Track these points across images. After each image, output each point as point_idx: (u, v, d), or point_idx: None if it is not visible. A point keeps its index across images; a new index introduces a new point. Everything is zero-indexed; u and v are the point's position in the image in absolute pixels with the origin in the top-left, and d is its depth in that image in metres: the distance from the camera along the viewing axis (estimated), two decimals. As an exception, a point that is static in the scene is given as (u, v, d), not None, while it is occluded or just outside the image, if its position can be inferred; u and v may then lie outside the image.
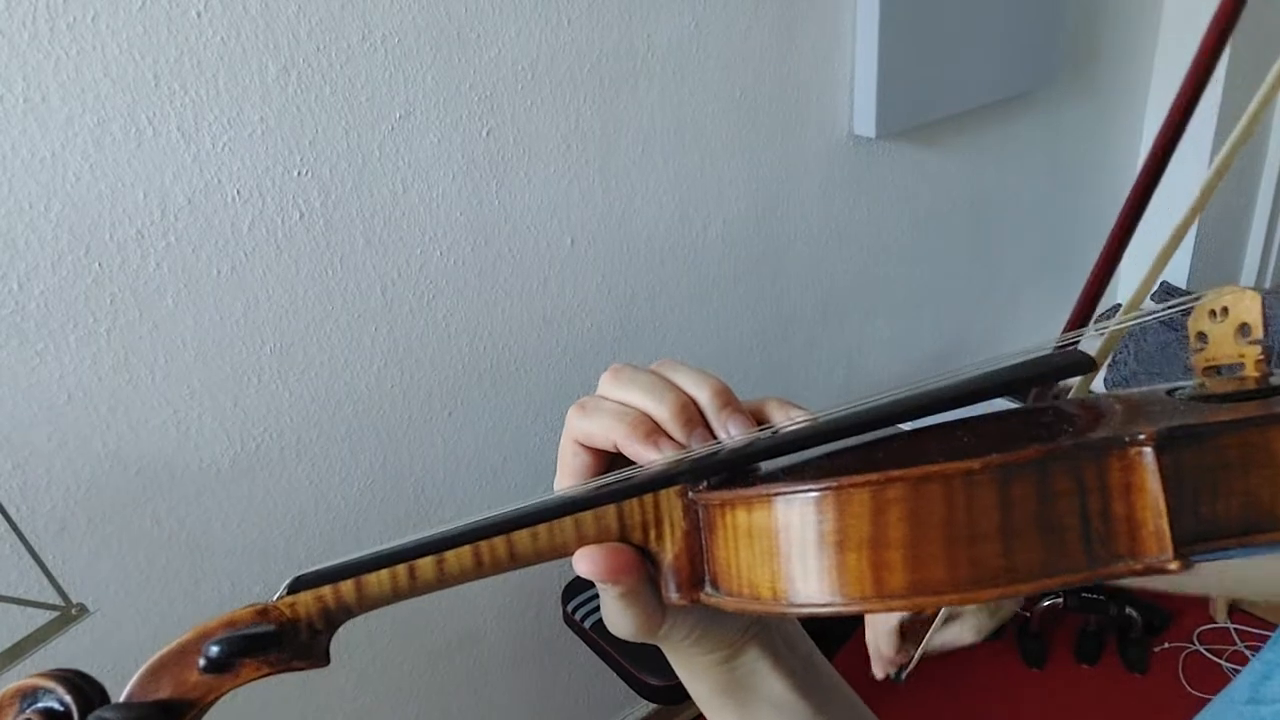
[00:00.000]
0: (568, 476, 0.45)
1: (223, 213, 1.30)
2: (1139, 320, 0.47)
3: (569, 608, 1.79)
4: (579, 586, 1.81)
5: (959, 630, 0.87)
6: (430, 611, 1.74)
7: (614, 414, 0.42)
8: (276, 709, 1.61)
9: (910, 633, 0.83)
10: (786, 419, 0.42)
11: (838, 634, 2.07)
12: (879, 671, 0.85)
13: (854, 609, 0.35)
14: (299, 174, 1.34)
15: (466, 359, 1.60)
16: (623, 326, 1.76)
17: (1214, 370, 0.45)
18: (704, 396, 0.42)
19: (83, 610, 0.93)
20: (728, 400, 0.43)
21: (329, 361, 1.46)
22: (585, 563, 0.40)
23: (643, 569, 0.40)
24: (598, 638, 1.74)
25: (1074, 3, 2.16)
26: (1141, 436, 0.33)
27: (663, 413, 0.42)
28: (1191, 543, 0.33)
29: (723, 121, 1.74)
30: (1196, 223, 2.47)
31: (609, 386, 0.44)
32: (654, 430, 0.41)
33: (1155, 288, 2.67)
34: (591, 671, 1.92)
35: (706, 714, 0.51)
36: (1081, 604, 2.29)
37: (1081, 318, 0.51)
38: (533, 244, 1.59)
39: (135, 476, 1.35)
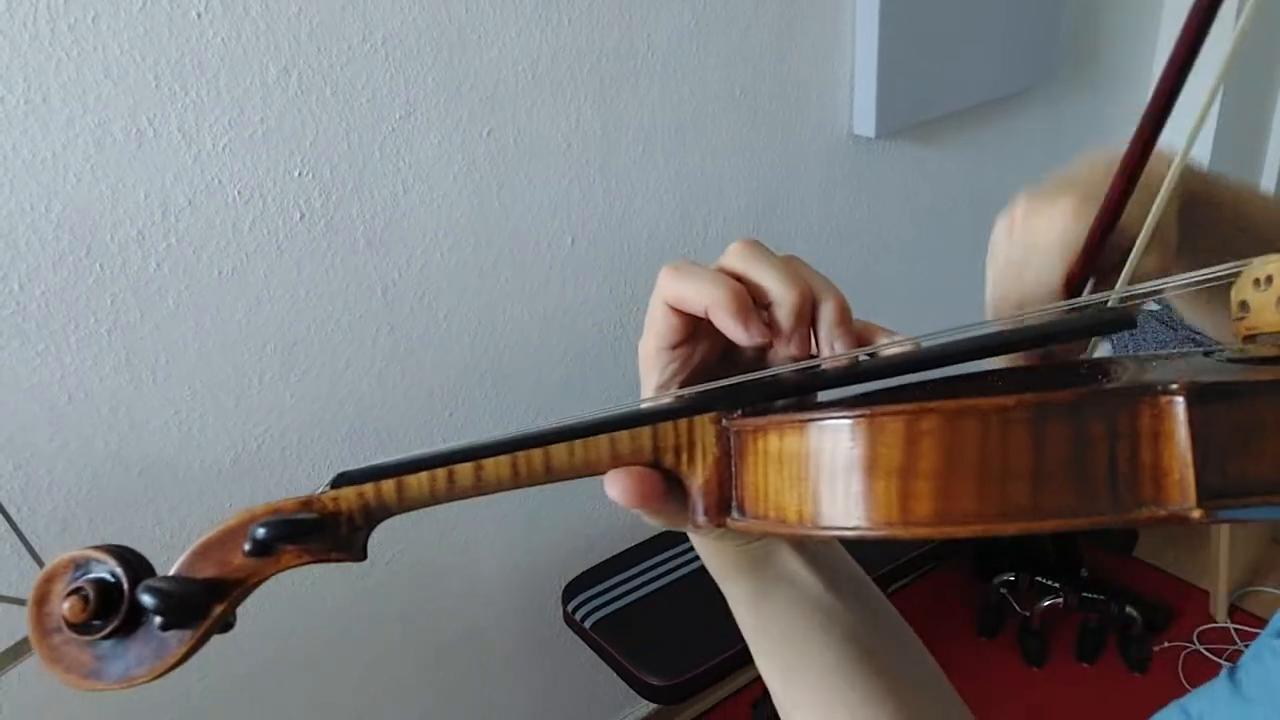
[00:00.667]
0: (654, 337, 0.44)
1: (224, 213, 1.30)
2: (1179, 284, 0.46)
3: (569, 608, 1.79)
4: (579, 586, 1.82)
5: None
6: (433, 610, 1.75)
7: (712, 279, 0.41)
8: (283, 705, 1.62)
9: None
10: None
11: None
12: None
13: (878, 534, 0.35)
14: (300, 175, 1.34)
15: (467, 359, 1.60)
16: (623, 326, 1.76)
17: (1254, 339, 0.45)
18: (828, 305, 0.42)
19: (84, 610, 0.93)
20: (846, 317, 0.42)
21: (330, 362, 1.46)
22: (614, 488, 0.40)
23: (668, 494, 0.41)
24: (598, 638, 1.74)
25: (1072, 1, 2.16)
26: (1174, 386, 0.34)
27: (787, 298, 0.41)
28: (1217, 496, 0.33)
29: (723, 120, 1.74)
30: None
31: (737, 259, 0.42)
32: (749, 307, 0.41)
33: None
34: (591, 671, 1.92)
35: (724, 589, 0.51)
36: (1082, 603, 2.29)
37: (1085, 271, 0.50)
38: (533, 244, 1.59)
39: (137, 477, 1.36)
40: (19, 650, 0.85)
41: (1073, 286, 0.53)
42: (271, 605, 1.70)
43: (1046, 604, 2.32)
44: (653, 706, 2.10)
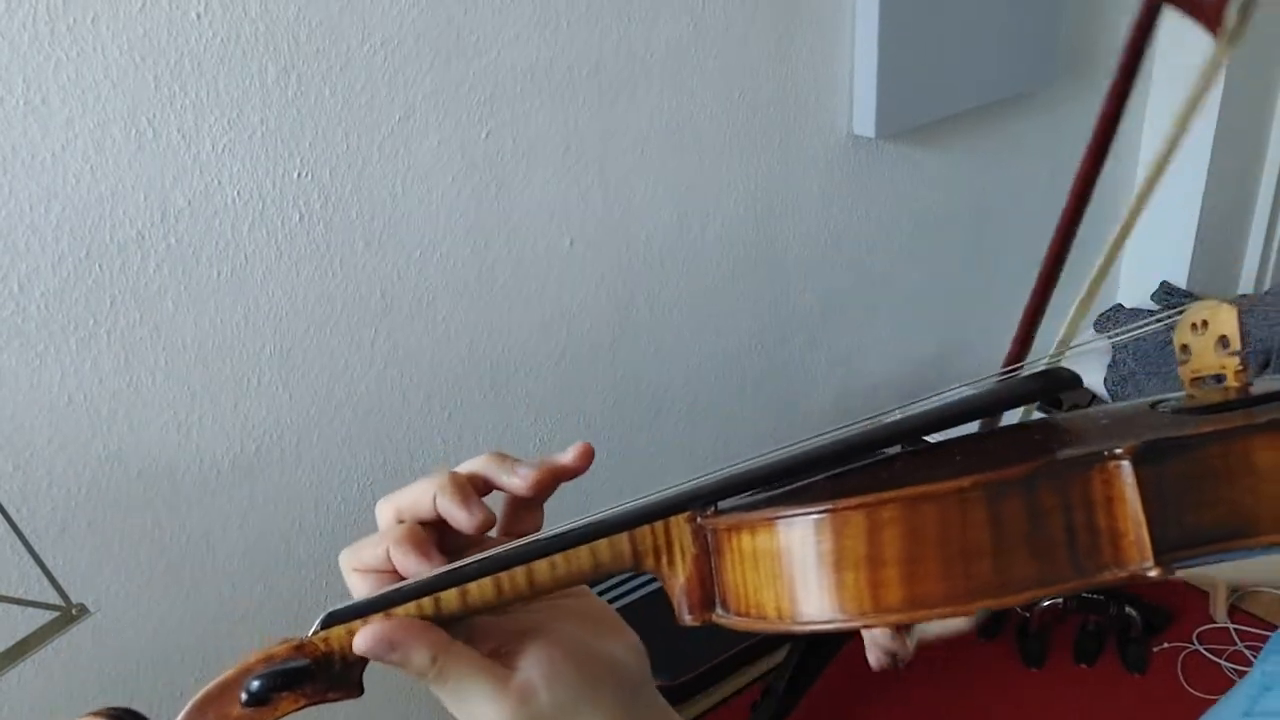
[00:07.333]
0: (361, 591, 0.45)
1: (223, 215, 1.30)
2: (1133, 334, 0.48)
3: (569, 609, 1.79)
4: (579, 588, 1.81)
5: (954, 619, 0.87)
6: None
7: (378, 537, 0.44)
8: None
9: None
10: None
11: (835, 637, 2.07)
12: (875, 662, 0.83)
13: (854, 625, 0.36)
14: (298, 176, 1.34)
15: (465, 361, 1.60)
16: (621, 328, 1.76)
17: (1200, 381, 0.47)
18: (480, 463, 0.45)
19: (83, 611, 0.93)
20: (500, 460, 0.45)
21: (329, 364, 1.46)
22: (362, 640, 0.41)
23: (435, 635, 0.41)
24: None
25: (1073, 3, 2.17)
26: (1119, 451, 0.35)
27: (432, 490, 0.43)
28: (1174, 550, 0.35)
29: (721, 123, 1.74)
30: (1197, 224, 2.47)
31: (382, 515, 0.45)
32: (420, 535, 0.43)
33: (1155, 288, 2.66)
34: (591, 672, 1.92)
35: None
36: (1081, 604, 2.29)
37: (1025, 337, 0.54)
38: (532, 246, 1.60)
39: (135, 479, 1.36)
40: (19, 650, 0.85)
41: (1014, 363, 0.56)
42: (268, 610, 1.69)
43: (1045, 605, 2.31)
44: (652, 708, 2.10)
